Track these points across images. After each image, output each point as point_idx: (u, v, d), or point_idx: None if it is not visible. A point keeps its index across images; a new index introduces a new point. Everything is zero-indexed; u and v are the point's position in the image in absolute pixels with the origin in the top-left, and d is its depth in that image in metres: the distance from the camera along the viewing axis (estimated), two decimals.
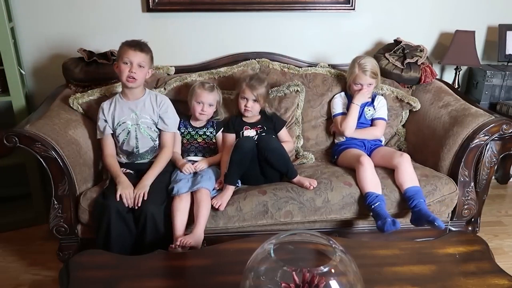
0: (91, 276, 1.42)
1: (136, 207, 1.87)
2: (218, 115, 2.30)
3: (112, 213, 1.82)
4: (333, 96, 2.47)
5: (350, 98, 2.39)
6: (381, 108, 2.38)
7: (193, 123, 2.25)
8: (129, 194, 1.88)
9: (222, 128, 2.27)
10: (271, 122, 2.29)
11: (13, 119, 2.34)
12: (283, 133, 2.30)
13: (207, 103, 2.18)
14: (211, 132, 2.25)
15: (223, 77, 2.47)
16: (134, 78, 2.00)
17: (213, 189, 2.03)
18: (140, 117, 2.08)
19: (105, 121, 2.07)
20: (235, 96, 2.29)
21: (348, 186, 2.04)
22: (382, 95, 2.45)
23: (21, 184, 2.54)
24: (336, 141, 2.44)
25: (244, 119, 2.28)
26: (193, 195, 1.96)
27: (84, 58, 2.31)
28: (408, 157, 2.12)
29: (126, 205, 1.86)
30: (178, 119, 2.20)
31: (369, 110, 2.38)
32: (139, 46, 2.01)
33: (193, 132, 2.23)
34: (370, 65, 2.32)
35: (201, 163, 2.12)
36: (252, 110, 2.22)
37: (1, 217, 2.49)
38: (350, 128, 2.31)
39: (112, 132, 2.09)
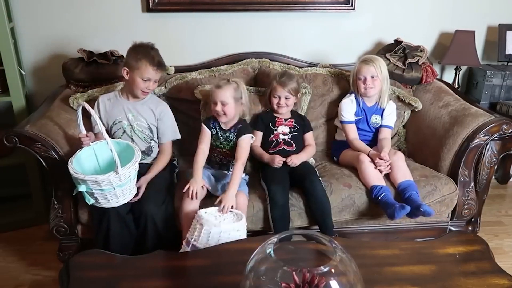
0: (91, 276, 1.42)
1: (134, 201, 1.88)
2: (245, 115, 2.13)
3: (112, 216, 1.82)
4: (344, 97, 2.37)
5: (358, 100, 2.32)
6: (390, 114, 2.33)
7: (222, 125, 2.08)
8: None
9: (252, 125, 2.17)
10: (302, 122, 2.27)
11: (13, 119, 2.34)
12: (309, 136, 2.29)
13: (219, 101, 1.99)
14: (234, 138, 2.06)
15: (224, 75, 2.47)
16: (148, 92, 2.04)
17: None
18: (136, 119, 2.08)
19: (99, 117, 2.04)
20: (267, 94, 2.27)
21: (348, 188, 2.04)
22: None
23: (21, 184, 2.54)
24: (336, 137, 2.43)
25: (275, 114, 2.26)
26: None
27: (84, 58, 2.31)
28: (402, 155, 2.16)
29: None
30: (176, 127, 2.16)
31: (376, 118, 2.33)
32: (161, 66, 2.03)
33: (220, 132, 2.07)
34: (376, 59, 2.27)
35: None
36: (285, 106, 2.20)
37: (1, 217, 2.49)
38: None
39: (106, 129, 2.08)
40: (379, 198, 1.98)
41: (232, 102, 2.01)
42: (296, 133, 2.23)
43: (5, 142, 1.84)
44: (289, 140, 2.21)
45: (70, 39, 2.49)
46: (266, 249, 1.09)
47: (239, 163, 1.97)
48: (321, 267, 1.02)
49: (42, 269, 2.13)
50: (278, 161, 2.07)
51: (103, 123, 2.05)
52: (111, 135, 2.09)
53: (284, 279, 1.03)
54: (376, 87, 2.26)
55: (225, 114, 2.00)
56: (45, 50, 2.52)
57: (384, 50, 2.61)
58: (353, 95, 2.34)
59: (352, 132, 2.29)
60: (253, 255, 1.12)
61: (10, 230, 2.44)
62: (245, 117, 2.15)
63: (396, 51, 2.53)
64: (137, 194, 1.90)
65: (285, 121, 2.24)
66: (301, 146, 2.24)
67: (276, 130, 2.22)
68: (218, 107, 1.99)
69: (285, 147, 2.19)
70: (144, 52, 2.00)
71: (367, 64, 2.25)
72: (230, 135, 2.07)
